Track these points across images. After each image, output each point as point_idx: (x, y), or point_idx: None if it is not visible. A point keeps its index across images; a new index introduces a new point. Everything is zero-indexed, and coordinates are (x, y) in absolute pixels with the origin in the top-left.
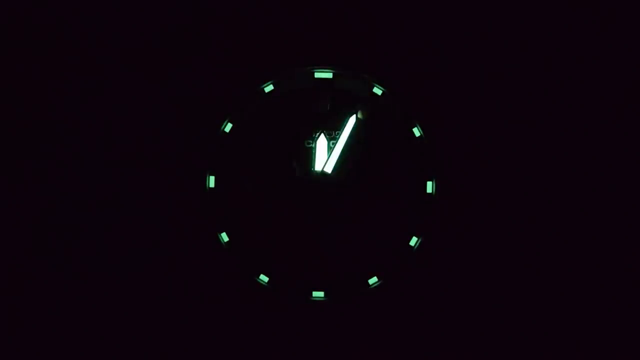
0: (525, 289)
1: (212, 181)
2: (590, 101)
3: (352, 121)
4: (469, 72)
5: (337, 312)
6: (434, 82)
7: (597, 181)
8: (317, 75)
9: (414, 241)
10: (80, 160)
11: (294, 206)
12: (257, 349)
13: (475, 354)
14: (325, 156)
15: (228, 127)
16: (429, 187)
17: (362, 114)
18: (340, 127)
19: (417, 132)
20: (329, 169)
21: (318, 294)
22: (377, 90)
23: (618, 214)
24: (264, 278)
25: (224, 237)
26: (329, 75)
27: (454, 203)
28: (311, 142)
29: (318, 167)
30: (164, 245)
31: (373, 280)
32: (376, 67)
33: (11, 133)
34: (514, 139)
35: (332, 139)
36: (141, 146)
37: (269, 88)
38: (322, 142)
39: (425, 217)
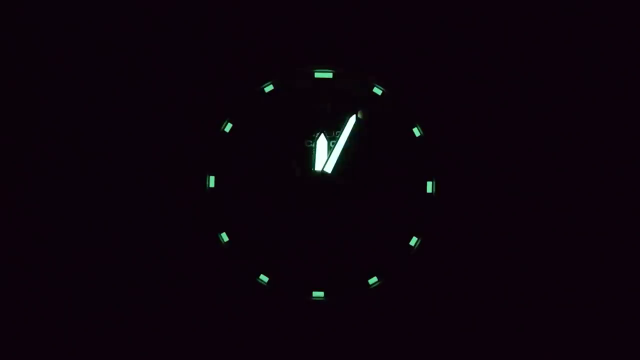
0: (525, 288)
1: (212, 181)
2: (591, 101)
3: (352, 121)
4: (469, 72)
5: (337, 312)
6: (434, 82)
7: (598, 181)
8: (317, 75)
9: (414, 241)
10: (80, 161)
11: (294, 206)
12: (257, 349)
13: (475, 354)
14: (325, 156)
15: (228, 127)
16: (429, 187)
17: (362, 114)
18: (340, 127)
19: (417, 132)
20: (329, 169)
21: (318, 294)
22: (377, 90)
23: (618, 214)
24: (264, 278)
25: (224, 237)
26: (329, 75)
27: (454, 203)
28: (311, 142)
29: (318, 167)
30: (164, 245)
31: (373, 280)
32: (376, 67)
33: (11, 134)
34: (514, 139)
35: (332, 139)
36: (141, 146)
37: (269, 88)
38: (322, 142)
39: (425, 217)
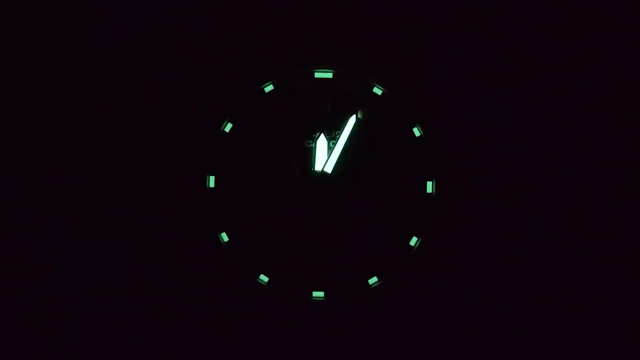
0: (525, 288)
1: (212, 181)
2: (591, 101)
3: (352, 121)
4: (469, 72)
5: (337, 312)
6: (434, 82)
7: (598, 181)
8: (317, 75)
9: (414, 241)
10: (80, 161)
11: (294, 206)
12: (257, 349)
13: (475, 354)
14: (325, 156)
15: (228, 127)
16: (429, 187)
17: (362, 114)
18: (340, 127)
19: (417, 132)
20: (329, 169)
21: (318, 294)
22: (377, 90)
23: (618, 214)
24: (264, 278)
25: (224, 237)
26: (329, 75)
27: (454, 203)
28: (311, 142)
29: (318, 167)
30: (164, 245)
31: (373, 280)
32: (376, 67)
33: (10, 134)
34: (514, 138)
35: (332, 139)
36: (141, 146)
37: (269, 88)
38: (322, 142)
39: (425, 217)
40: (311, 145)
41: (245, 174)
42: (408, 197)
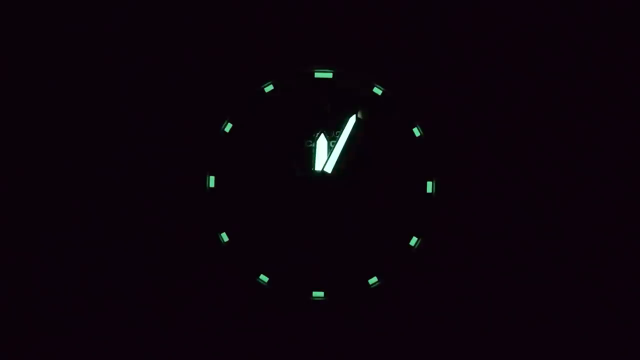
0: (525, 288)
1: (212, 181)
2: (590, 101)
3: (352, 121)
4: (469, 72)
5: (337, 312)
6: (434, 82)
7: (598, 181)
8: (317, 75)
9: (414, 241)
10: (79, 161)
11: (294, 206)
12: (257, 349)
13: (475, 354)
14: (325, 156)
15: (228, 127)
16: (429, 187)
17: (362, 114)
18: (340, 127)
19: (417, 132)
20: (329, 169)
21: (318, 294)
22: (377, 90)
23: (618, 215)
24: (264, 278)
25: (224, 237)
26: (329, 75)
27: (454, 203)
28: (311, 142)
29: (318, 167)
30: (164, 245)
31: (373, 280)
32: (376, 67)
33: (10, 135)
34: (514, 139)
35: (332, 139)
36: (141, 146)
37: (269, 88)
38: (322, 142)
39: (425, 217)
40: (311, 145)
41: (245, 174)
42: (408, 197)
